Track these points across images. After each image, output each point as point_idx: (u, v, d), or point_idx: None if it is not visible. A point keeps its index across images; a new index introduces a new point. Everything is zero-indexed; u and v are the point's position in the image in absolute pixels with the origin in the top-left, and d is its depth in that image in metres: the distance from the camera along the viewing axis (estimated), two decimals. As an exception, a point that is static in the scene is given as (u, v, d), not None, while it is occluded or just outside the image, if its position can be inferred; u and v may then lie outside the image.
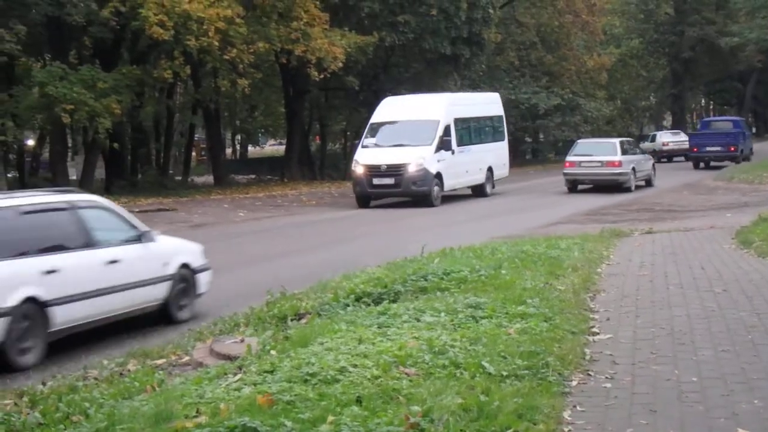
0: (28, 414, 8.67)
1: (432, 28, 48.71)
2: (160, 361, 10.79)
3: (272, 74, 54.80)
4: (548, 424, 7.27)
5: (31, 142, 57.22)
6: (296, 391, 7.92)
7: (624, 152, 39.02)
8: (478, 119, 38.66)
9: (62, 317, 12.07)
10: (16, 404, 9.16)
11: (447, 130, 34.73)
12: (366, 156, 34.37)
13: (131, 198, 39.10)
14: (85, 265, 12.74)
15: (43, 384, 9.98)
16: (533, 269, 14.68)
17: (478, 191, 37.58)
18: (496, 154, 39.14)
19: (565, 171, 39.48)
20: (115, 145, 44.77)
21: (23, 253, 11.98)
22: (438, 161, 33.71)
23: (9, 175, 45.00)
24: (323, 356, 8.99)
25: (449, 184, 34.48)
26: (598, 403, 7.93)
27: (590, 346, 9.94)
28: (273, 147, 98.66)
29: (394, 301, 12.48)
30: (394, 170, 33.22)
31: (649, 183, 41.56)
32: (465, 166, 35.70)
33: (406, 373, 8.50)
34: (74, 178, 47.81)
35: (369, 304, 12.55)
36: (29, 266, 11.90)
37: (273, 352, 9.87)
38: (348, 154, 57.78)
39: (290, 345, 9.98)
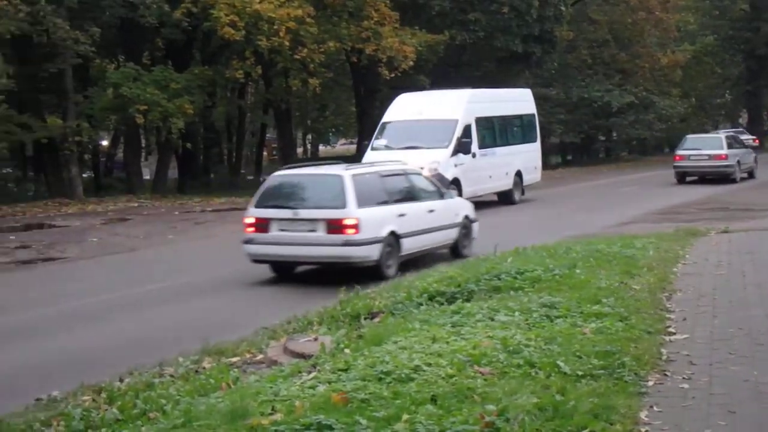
0: (106, 410, 8.79)
1: (503, 26, 48.51)
2: (234, 359, 10.85)
3: (343, 73, 54.97)
4: (625, 425, 7.22)
5: (105, 143, 57.99)
6: (371, 390, 7.94)
7: (729, 146, 41.91)
8: (504, 118, 34.46)
9: (407, 246, 18.15)
10: (94, 400, 9.27)
11: (467, 130, 30.84)
12: (374, 159, 28.39)
13: (204, 197, 39.46)
14: (418, 212, 18.79)
15: (120, 380, 10.08)
16: (608, 268, 14.57)
17: (504, 198, 33.53)
18: (525, 157, 34.98)
19: (675, 164, 42.35)
20: (188, 145, 45.34)
21: (385, 203, 18.11)
22: (455, 166, 29.88)
23: (84, 175, 45.59)
24: (397, 355, 9.00)
25: (469, 191, 29.88)
26: (675, 404, 7.86)
27: (667, 346, 9.85)
28: (344, 146, 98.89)
29: (467, 300, 12.47)
30: None
31: (751, 175, 43.65)
32: (488, 170, 31.79)
33: (480, 372, 8.48)
34: (148, 177, 48.35)
35: (442, 303, 12.56)
36: (390, 211, 17.98)
37: (347, 350, 9.92)
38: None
39: (364, 343, 10.01)
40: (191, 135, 45.16)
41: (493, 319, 10.68)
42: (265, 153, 69.80)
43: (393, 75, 42.38)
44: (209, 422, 7.43)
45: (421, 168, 26.67)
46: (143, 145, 52.63)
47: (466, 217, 20.39)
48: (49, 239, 25.44)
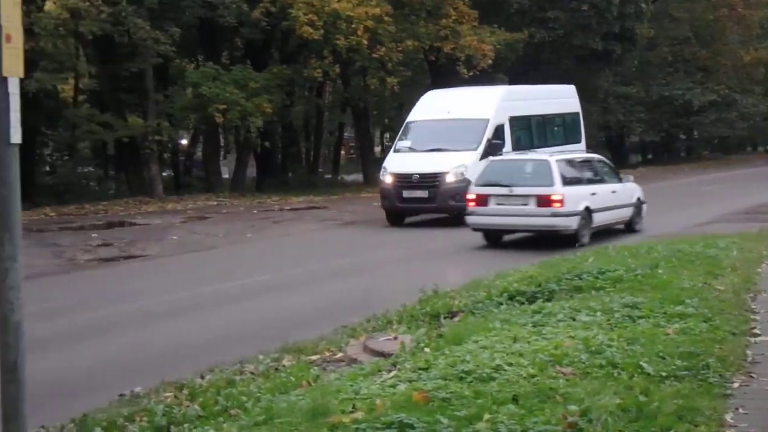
0: (188, 406, 8.85)
1: (582, 24, 48.16)
2: (314, 357, 10.87)
3: (421, 72, 54.88)
4: (709, 426, 7.08)
5: (185, 142, 58.54)
6: (452, 389, 7.89)
7: None
8: (544, 117, 32.04)
9: (597, 220, 21.95)
10: (176, 397, 9.35)
11: (499, 131, 28.30)
12: (396, 162, 28.05)
13: (282, 196, 39.64)
14: (605, 192, 22.50)
15: (202, 377, 10.15)
16: (691, 269, 14.36)
17: None
18: None
19: None
20: (266, 143, 45.53)
21: (581, 183, 22.20)
22: None
23: (164, 174, 46.07)
24: (478, 354, 8.95)
25: None
26: (762, 406, 7.70)
27: (752, 348, 9.65)
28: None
29: (548, 300, 12.37)
30: (428, 181, 26.82)
31: None
32: None
33: (562, 373, 8.39)
34: (226, 176, 48.72)
35: (523, 303, 12.47)
36: (585, 190, 21.91)
37: (427, 349, 9.87)
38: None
39: (444, 343, 9.96)
40: (270, 134, 45.41)
41: (574, 319, 10.57)
42: (342, 152, 69.98)
43: (471, 73, 42.21)
44: (290, 420, 7.43)
45: (446, 172, 26.42)
46: (222, 144, 53.01)
47: (638, 198, 24.08)
48: (131, 237, 25.74)
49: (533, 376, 8.22)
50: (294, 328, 12.80)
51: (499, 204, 21.70)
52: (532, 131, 30.93)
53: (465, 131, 27.74)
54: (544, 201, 21.11)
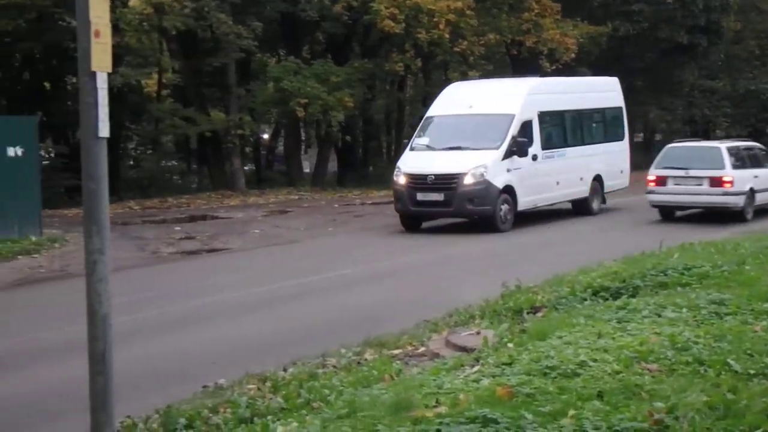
0: (271, 399, 8.91)
1: (667, 17, 47.58)
2: (396, 351, 10.88)
3: (502, 66, 54.58)
4: (800, 426, 6.94)
5: (266, 136, 58.90)
6: (536, 384, 7.84)
7: None
8: (581, 112, 28.94)
9: (758, 199, 25.92)
10: (259, 389, 9.41)
11: (526, 128, 25.53)
12: (411, 162, 25.56)
13: (363, 190, 39.72)
14: (763, 176, 26.23)
15: (284, 370, 10.21)
16: (778, 265, 14.12)
17: (579, 208, 28.27)
18: (608, 158, 29.35)
19: None
20: (347, 137, 45.61)
21: (745, 167, 25.75)
22: (508, 171, 24.73)
23: (246, 168, 46.39)
24: (562, 350, 8.88)
25: (526, 201, 25.47)
26: None
27: (844, 346, 9.45)
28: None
29: (633, 296, 12.23)
30: (444, 182, 24.32)
31: None
32: (555, 175, 26.54)
33: (648, 369, 8.30)
34: (308, 170, 48.94)
35: (607, 299, 12.35)
36: (748, 173, 25.67)
37: (510, 344, 9.83)
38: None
39: (527, 338, 9.91)
40: (351, 128, 45.50)
41: (660, 316, 10.45)
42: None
43: (554, 67, 41.93)
44: (373, 413, 7.42)
45: (464, 173, 24.04)
46: (303, 138, 53.23)
47: None
48: (213, 231, 25.96)
49: (618, 373, 8.14)
50: (376, 322, 12.81)
51: (676, 184, 25.38)
52: (565, 128, 28.24)
53: (488, 128, 25.29)
54: (716, 182, 24.89)
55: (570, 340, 9.34)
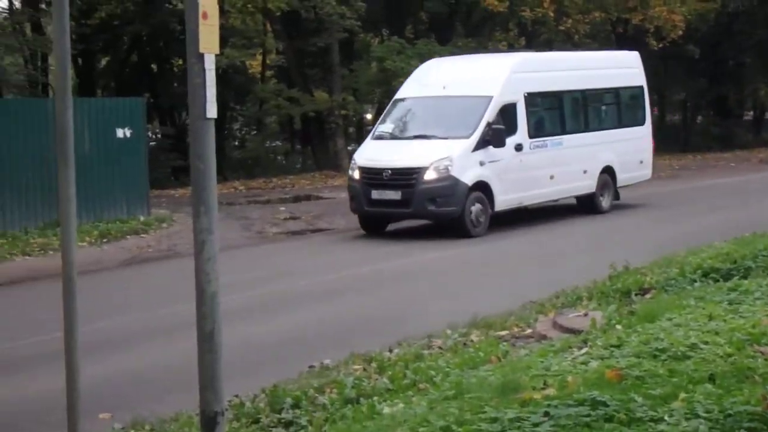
0: (377, 379, 8.92)
1: (779, -8, 46.49)
2: (502, 333, 10.84)
3: (608, 44, 53.74)
4: None
5: (369, 116, 59.02)
6: (645, 367, 7.72)
7: None
8: (585, 93, 24.56)
9: None
10: (365, 369, 9.45)
11: (507, 112, 21.51)
12: (368, 153, 21.84)
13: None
14: None
15: (390, 351, 10.23)
16: None
17: (585, 205, 24.00)
18: (623, 146, 24.91)
19: None
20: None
21: None
22: (481, 164, 20.84)
23: (349, 148, 46.56)
24: (672, 332, 8.74)
25: (506, 199, 21.42)
26: None
27: None
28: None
29: (744, 278, 11.97)
30: (402, 178, 20.46)
31: None
32: (548, 168, 22.42)
33: (760, 352, 8.12)
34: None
35: (717, 280, 12.09)
36: None
37: (618, 326, 9.71)
38: (689, 125, 55.80)
39: (636, 320, 9.78)
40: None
41: (772, 297, 10.23)
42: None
43: (661, 45, 41.27)
44: (480, 395, 7.38)
45: (424, 168, 20.34)
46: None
47: None
48: (317, 211, 26.07)
49: (730, 356, 7.97)
50: (481, 303, 12.74)
51: None
52: (563, 111, 23.90)
53: (460, 113, 21.54)
54: None
55: (680, 322, 9.19)
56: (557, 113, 23.68)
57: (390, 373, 9.11)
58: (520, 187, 21.55)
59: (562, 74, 23.62)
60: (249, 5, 36.48)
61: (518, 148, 21.51)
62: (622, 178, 24.74)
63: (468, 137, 20.76)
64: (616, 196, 24.61)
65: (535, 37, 44.24)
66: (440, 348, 10.25)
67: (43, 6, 34.82)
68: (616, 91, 25.49)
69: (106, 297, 14.90)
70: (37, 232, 20.59)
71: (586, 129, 24.15)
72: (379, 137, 22.41)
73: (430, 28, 45.25)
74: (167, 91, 40.32)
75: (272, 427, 8.10)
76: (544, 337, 10.38)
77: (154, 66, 42.34)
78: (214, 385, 6.01)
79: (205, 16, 6.07)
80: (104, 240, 20.67)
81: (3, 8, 38.03)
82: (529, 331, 10.91)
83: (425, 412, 7.24)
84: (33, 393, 10.00)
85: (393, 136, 22.16)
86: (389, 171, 20.61)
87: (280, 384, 9.02)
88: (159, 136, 40.87)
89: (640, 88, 26.16)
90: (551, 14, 38.15)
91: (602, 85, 24.93)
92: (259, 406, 8.49)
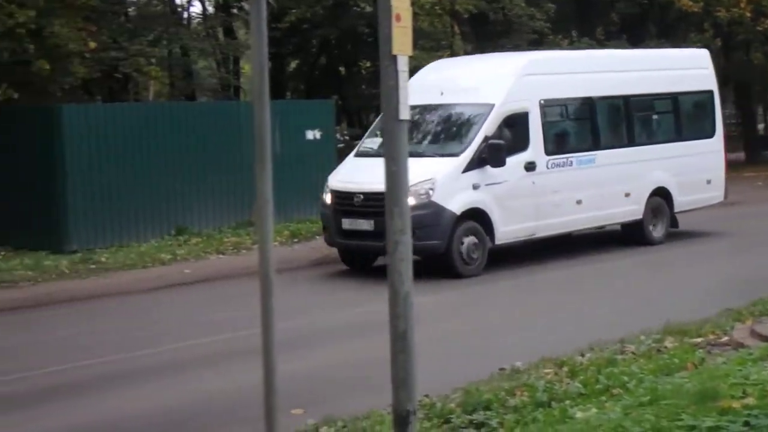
0: (569, 384, 8.85)
1: None
2: (698, 340, 10.57)
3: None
4: None
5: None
6: None
7: None
8: (629, 99, 20.20)
9: None
10: (556, 374, 9.37)
11: (515, 124, 17.88)
12: (343, 173, 18.54)
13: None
14: None
15: (582, 355, 10.12)
16: None
17: (631, 234, 19.89)
18: (684, 163, 20.51)
19: None
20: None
21: None
22: (474, 187, 17.14)
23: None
24: None
25: (511, 230, 17.58)
26: None
27: None
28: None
29: None
30: (375, 204, 15.52)
31: None
32: (574, 191, 18.44)
33: None
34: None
35: None
36: None
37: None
38: None
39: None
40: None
41: None
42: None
43: None
44: (676, 401, 7.24)
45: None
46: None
47: None
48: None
49: None
50: (677, 308, 12.45)
51: None
52: (596, 122, 19.60)
53: (454, 125, 18.34)
54: None
55: None
56: (588, 124, 19.61)
57: (582, 377, 9.02)
58: (531, 214, 17.73)
59: (595, 77, 19.54)
60: (437, 7, 36.60)
61: (530, 167, 17.71)
62: (681, 201, 20.35)
63: (458, 155, 17.16)
64: (674, 224, 20.36)
65: (732, 38, 43.10)
66: (633, 353, 10.07)
67: (235, 10, 35.74)
68: (674, 97, 21.10)
69: (300, 295, 15.16)
70: (230, 232, 21.11)
71: (630, 143, 20.00)
72: (363, 153, 18.70)
73: (622, 29, 44.58)
74: (355, 93, 40.82)
75: (463, 427, 8.09)
76: (742, 345, 10.08)
77: (342, 68, 42.90)
78: (406, 384, 6.03)
79: (398, 18, 6.11)
80: (295, 240, 21.00)
81: (197, 13, 39.16)
82: (725, 338, 10.60)
83: (620, 417, 7.14)
84: (228, 387, 10.27)
85: (378, 153, 15.89)
86: (361, 196, 17.09)
87: (471, 385, 9.01)
88: (347, 137, 41.42)
89: (709, 93, 21.78)
90: (748, 15, 37.02)
91: (654, 90, 20.67)
92: (450, 407, 8.49)
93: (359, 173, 17.52)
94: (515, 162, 17.45)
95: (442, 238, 16.54)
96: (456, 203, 16.81)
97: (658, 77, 20.61)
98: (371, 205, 16.28)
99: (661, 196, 20.02)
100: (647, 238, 19.63)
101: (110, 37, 27.03)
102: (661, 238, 19.82)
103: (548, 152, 18.12)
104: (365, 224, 16.91)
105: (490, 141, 17.05)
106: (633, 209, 19.47)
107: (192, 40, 33.59)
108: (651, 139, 20.61)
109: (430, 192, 16.58)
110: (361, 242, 17.26)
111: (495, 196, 17.18)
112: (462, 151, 17.14)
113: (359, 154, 18.80)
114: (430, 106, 18.25)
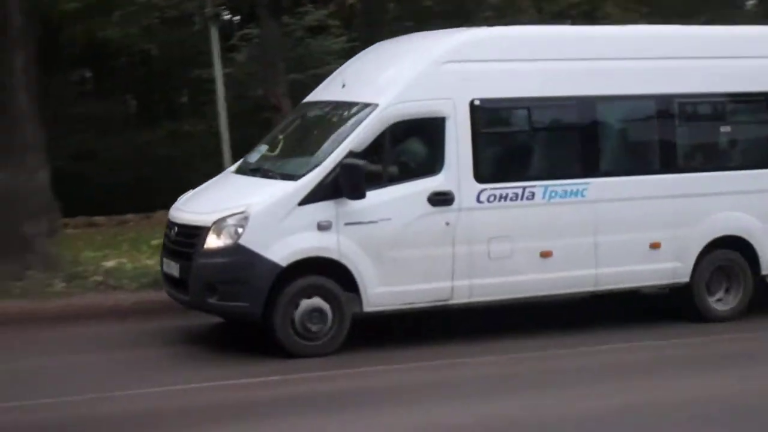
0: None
1: None
2: None
3: None
4: None
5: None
6: None
7: None
8: (671, 99, 12.71)
9: None
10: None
11: (421, 135, 11.78)
12: (187, 197, 12.87)
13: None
14: None
15: None
16: None
17: (680, 303, 12.80)
18: (762, 201, 12.96)
19: None
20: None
21: None
22: (323, 227, 11.07)
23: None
24: None
25: (393, 292, 11.25)
26: None
27: None
28: None
29: None
30: (183, 242, 11.67)
31: None
32: (534, 238, 11.80)
33: None
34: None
35: None
36: None
37: None
38: None
39: None
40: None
41: None
42: None
43: None
44: None
45: (205, 228, 11.23)
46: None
47: None
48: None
49: None
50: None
51: None
52: (593, 136, 12.49)
53: (323, 133, 12.50)
54: None
55: None
56: (575, 138, 12.53)
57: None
58: (443, 271, 11.55)
59: (595, 67, 12.38)
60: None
61: (440, 200, 11.52)
62: None
63: (295, 179, 11.35)
64: (751, 290, 12.83)
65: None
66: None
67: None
68: (744, 99, 13.29)
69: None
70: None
71: (667, 168, 12.71)
72: (245, 169, 12.82)
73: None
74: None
75: None
76: None
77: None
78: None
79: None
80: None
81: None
82: None
83: None
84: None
85: (254, 168, 12.50)
86: (176, 229, 12.04)
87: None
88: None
89: None
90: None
91: (703, 89, 12.96)
92: None
93: (199, 197, 12.47)
94: (410, 192, 11.45)
95: (254, 298, 11.00)
96: (280, 250, 11.03)
97: (708, 68, 12.91)
98: (180, 242, 11.73)
99: (733, 247, 12.84)
100: (703, 311, 12.69)
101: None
102: (729, 313, 12.77)
103: (481, 178, 11.74)
104: (174, 268, 11.77)
105: (344, 161, 11.17)
106: (668, 268, 12.53)
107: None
108: (710, 164, 13.07)
109: (241, 228, 11.07)
110: (171, 290, 12.10)
111: (363, 242, 11.24)
112: (303, 174, 11.32)
113: (239, 171, 12.89)
114: (320, 103, 13.04)
